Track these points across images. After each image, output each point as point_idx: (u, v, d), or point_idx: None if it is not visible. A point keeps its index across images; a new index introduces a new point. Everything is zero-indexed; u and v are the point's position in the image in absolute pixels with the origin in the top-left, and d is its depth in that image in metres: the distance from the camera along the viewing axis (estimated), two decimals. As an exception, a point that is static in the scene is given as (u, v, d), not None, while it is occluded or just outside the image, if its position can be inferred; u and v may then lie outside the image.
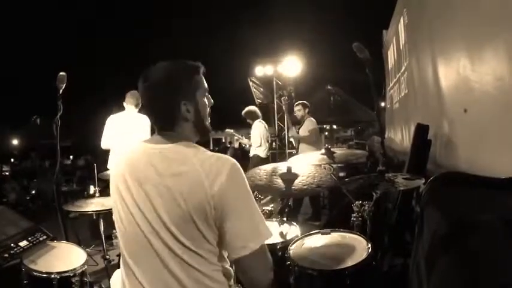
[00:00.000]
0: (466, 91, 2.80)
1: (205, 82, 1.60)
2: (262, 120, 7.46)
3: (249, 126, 7.45)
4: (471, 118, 2.77)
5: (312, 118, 6.66)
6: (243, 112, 7.45)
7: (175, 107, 1.50)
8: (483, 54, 2.49)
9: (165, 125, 1.54)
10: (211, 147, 14.94)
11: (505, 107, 2.17)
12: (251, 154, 7.46)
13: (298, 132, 6.63)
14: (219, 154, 1.48)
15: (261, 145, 7.26)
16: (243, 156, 10.72)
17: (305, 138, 6.47)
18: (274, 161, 7.97)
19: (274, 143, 10.60)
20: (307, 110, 6.67)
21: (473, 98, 2.68)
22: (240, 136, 8.54)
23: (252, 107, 7.56)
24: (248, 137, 7.73)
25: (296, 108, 6.77)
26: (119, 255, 2.39)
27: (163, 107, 1.52)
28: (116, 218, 1.55)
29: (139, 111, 4.97)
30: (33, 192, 9.38)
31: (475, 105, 2.69)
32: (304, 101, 6.83)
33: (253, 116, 7.36)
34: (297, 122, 6.82)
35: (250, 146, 7.68)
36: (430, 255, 1.89)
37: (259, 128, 7.29)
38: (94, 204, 3.38)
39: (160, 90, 1.50)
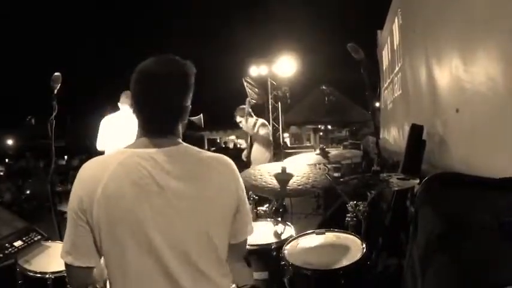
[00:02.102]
0: (459, 91, 2.81)
1: None
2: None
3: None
4: (463, 118, 2.79)
5: (264, 121, 5.99)
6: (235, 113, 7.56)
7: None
8: (475, 55, 2.51)
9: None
10: (207, 148, 14.93)
11: (496, 106, 2.19)
12: None
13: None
14: None
15: None
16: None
17: (257, 137, 5.77)
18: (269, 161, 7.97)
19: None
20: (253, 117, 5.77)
21: (466, 98, 2.70)
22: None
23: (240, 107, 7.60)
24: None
25: (238, 119, 5.79)
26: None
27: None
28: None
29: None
30: (28, 192, 9.32)
31: (467, 105, 2.71)
32: (244, 106, 5.78)
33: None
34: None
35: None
36: (425, 255, 1.90)
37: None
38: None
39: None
